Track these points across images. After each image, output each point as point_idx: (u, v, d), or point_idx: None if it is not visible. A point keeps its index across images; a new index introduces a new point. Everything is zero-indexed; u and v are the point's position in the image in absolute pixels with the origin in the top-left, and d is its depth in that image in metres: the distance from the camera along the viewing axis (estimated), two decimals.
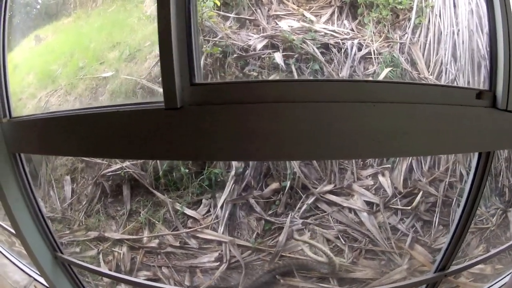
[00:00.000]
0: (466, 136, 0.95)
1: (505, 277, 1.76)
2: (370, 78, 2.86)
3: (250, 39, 2.75)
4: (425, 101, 0.90)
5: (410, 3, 3.24)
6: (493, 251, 1.88)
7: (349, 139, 0.85)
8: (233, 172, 2.63)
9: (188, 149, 0.86)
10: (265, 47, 2.73)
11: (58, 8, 3.33)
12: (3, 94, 1.23)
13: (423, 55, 3.28)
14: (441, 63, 3.27)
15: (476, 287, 2.39)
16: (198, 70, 0.84)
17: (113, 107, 0.95)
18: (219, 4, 2.76)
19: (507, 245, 1.78)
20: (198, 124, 0.82)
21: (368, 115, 0.85)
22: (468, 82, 3.15)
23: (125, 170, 2.64)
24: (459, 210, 1.13)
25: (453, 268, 1.24)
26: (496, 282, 1.71)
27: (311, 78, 2.69)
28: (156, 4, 0.79)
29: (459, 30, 3.26)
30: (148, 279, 2.46)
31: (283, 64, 2.66)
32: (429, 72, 3.24)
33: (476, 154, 1.06)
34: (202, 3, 2.73)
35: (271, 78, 2.64)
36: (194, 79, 0.83)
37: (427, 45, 3.29)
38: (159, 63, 0.79)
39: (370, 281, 2.46)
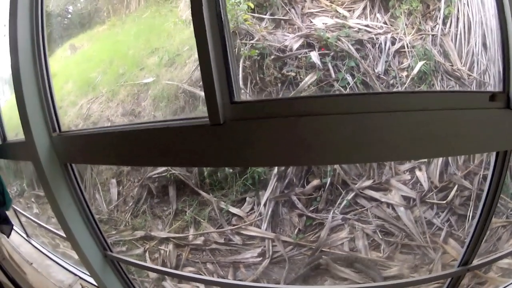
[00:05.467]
0: (483, 137, 0.98)
1: None
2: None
3: (286, 39, 2.77)
4: (441, 107, 0.93)
5: None
6: None
7: (383, 145, 0.91)
8: (275, 171, 2.68)
9: (232, 158, 0.97)
10: (301, 46, 2.75)
11: (91, 16, 3.42)
12: (51, 111, 1.33)
13: (454, 46, 3.21)
14: (473, 54, 3.20)
15: (503, 282, 2.38)
16: (236, 89, 0.94)
17: (161, 122, 1.07)
18: (252, 6, 2.79)
19: None
20: (240, 136, 0.94)
21: (399, 123, 0.90)
22: (499, 72, 3.08)
23: (170, 172, 2.74)
24: (480, 207, 1.15)
25: (475, 262, 1.26)
26: None
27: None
28: (191, 14, 0.87)
29: (486, 19, 3.18)
30: None
31: (319, 63, 2.68)
32: (461, 63, 3.18)
33: (494, 153, 1.07)
34: (236, 6, 2.77)
35: (308, 77, 2.66)
36: (234, 97, 0.93)
37: (458, 35, 3.23)
38: (199, 68, 0.90)
39: (403, 276, 2.48)
